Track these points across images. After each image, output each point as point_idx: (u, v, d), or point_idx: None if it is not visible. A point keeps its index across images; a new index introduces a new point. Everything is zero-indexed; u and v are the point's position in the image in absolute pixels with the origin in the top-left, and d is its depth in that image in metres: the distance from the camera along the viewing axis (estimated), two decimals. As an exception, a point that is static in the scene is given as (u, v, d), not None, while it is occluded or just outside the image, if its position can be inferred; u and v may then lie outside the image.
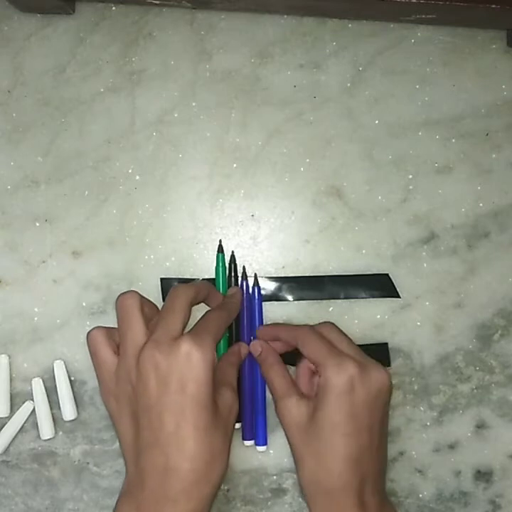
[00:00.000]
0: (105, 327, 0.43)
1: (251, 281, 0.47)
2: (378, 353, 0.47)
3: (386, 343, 0.48)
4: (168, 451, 0.38)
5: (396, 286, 0.48)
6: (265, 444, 0.47)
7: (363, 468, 0.40)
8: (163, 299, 0.47)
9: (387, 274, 0.48)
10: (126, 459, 0.41)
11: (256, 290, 0.47)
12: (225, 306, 0.45)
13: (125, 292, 0.42)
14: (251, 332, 0.47)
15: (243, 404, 0.46)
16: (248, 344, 0.46)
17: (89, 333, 0.43)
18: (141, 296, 0.42)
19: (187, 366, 0.38)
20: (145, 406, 0.39)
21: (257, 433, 0.46)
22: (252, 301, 0.47)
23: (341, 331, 0.44)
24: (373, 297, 0.48)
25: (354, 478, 0.39)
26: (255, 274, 0.47)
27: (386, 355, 0.47)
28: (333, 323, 0.44)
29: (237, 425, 0.46)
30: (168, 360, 0.38)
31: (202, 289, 0.43)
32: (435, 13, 0.45)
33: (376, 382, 0.40)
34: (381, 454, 0.42)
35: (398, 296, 0.48)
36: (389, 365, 0.48)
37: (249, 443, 0.46)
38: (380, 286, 0.48)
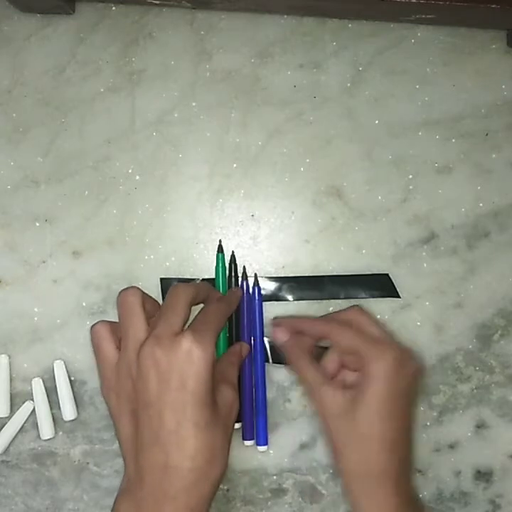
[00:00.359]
0: (109, 321, 0.43)
1: (251, 282, 0.47)
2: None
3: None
4: (169, 449, 0.38)
5: (396, 286, 0.48)
6: (266, 444, 0.47)
7: (399, 453, 0.41)
8: (163, 299, 0.47)
9: (387, 274, 0.48)
10: (125, 456, 0.41)
11: (256, 290, 0.47)
12: (225, 299, 0.45)
13: (127, 288, 0.42)
14: (251, 332, 0.47)
15: (243, 404, 0.46)
16: (249, 344, 0.46)
17: (92, 326, 0.42)
18: (143, 293, 0.42)
19: (187, 363, 0.38)
20: (145, 403, 0.39)
21: (258, 433, 0.46)
22: (252, 301, 0.47)
23: (369, 314, 0.44)
24: (373, 297, 0.48)
25: (392, 463, 0.40)
26: (255, 274, 0.47)
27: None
28: (359, 307, 0.45)
29: (237, 425, 0.46)
30: (169, 356, 0.38)
31: (202, 290, 0.43)
32: (435, 13, 0.45)
33: (413, 369, 0.41)
34: (411, 438, 0.42)
35: (398, 296, 0.48)
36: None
37: (249, 443, 0.46)
38: (380, 286, 0.48)
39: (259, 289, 0.47)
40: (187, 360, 0.38)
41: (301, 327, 0.45)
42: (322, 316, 0.46)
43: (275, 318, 0.47)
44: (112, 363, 0.41)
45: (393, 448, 0.40)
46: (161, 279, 0.47)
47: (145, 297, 0.42)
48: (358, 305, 0.45)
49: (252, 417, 0.46)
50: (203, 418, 0.38)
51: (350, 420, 0.40)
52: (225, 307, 0.44)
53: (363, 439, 0.40)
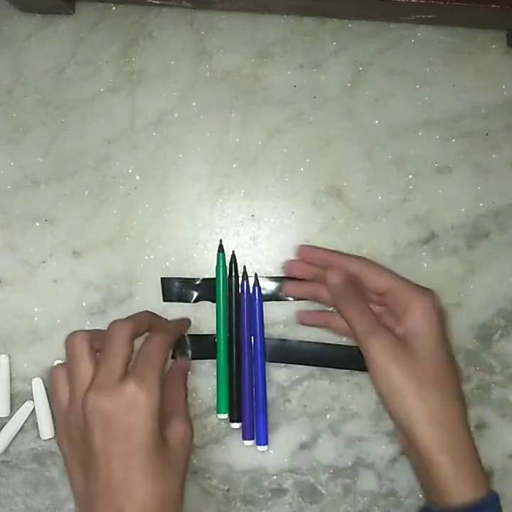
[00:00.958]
0: (64, 364, 0.42)
1: (251, 281, 0.47)
2: None
3: None
4: (119, 500, 0.37)
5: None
6: (266, 443, 0.47)
7: (454, 392, 0.42)
8: (164, 299, 0.47)
9: None
10: (79, 507, 0.39)
11: (256, 290, 0.47)
12: (168, 328, 0.44)
13: (74, 332, 0.41)
14: (251, 332, 0.47)
15: (243, 403, 0.46)
16: (249, 345, 0.46)
17: (51, 368, 0.42)
18: (92, 333, 0.41)
19: (132, 412, 0.37)
20: (92, 453, 0.38)
21: (258, 433, 0.46)
22: (252, 301, 0.47)
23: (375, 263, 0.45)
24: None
25: (452, 402, 0.41)
26: (255, 274, 0.47)
27: None
28: (364, 257, 0.45)
29: (238, 425, 0.46)
30: (112, 405, 0.37)
31: (141, 322, 0.42)
32: (435, 13, 0.45)
33: (441, 304, 0.43)
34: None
35: None
36: None
37: (249, 443, 0.46)
38: None
39: (260, 289, 0.47)
40: (131, 409, 0.37)
41: (329, 259, 0.45)
42: (345, 254, 0.46)
43: (302, 245, 0.47)
44: (64, 409, 0.41)
45: (448, 388, 0.41)
46: (162, 279, 0.47)
47: (94, 338, 0.41)
48: (361, 256, 0.46)
49: (252, 417, 0.46)
50: (151, 466, 0.37)
51: (409, 361, 0.41)
52: (168, 338, 0.42)
53: (421, 381, 0.40)
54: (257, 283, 0.47)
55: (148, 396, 0.37)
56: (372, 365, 0.41)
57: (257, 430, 0.46)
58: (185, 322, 0.47)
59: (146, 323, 0.43)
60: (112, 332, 0.40)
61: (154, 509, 0.37)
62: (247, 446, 0.47)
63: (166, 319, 0.46)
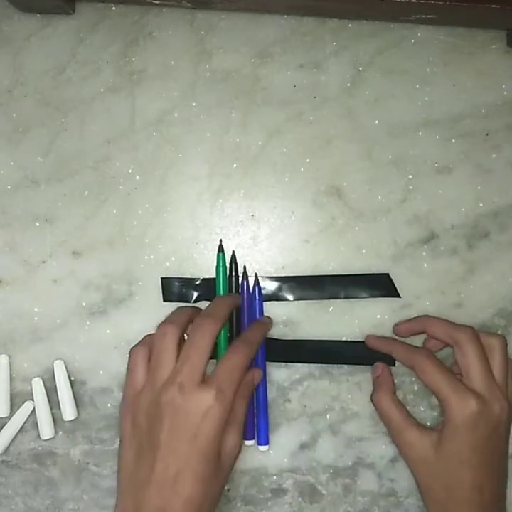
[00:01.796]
0: (148, 346, 0.43)
1: (251, 281, 0.47)
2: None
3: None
4: (165, 494, 0.39)
5: (396, 286, 0.48)
6: (267, 443, 0.47)
7: (485, 496, 0.41)
8: (164, 299, 0.47)
9: (387, 274, 0.48)
10: (121, 488, 0.41)
11: (256, 290, 0.47)
12: (251, 342, 0.44)
13: (166, 324, 0.42)
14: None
15: None
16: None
17: (132, 348, 0.43)
18: (182, 327, 0.42)
19: (204, 420, 0.39)
20: (154, 444, 0.40)
21: (259, 433, 0.46)
22: (252, 301, 0.47)
23: (481, 350, 0.43)
24: (373, 297, 0.48)
25: (479, 506, 0.41)
26: (255, 274, 0.47)
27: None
28: (427, 351, 0.45)
29: None
30: (188, 409, 0.39)
31: (225, 319, 0.43)
32: (435, 13, 0.45)
33: (497, 415, 0.42)
34: (502, 477, 0.43)
35: (398, 296, 0.48)
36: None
37: (250, 443, 0.46)
38: (381, 286, 0.48)
39: (260, 289, 0.47)
40: (204, 418, 0.39)
41: (393, 351, 0.46)
42: (417, 348, 0.46)
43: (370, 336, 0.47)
44: (137, 390, 0.42)
45: (479, 491, 0.41)
46: (162, 279, 0.47)
47: (183, 330, 0.43)
48: (471, 331, 0.44)
49: (252, 417, 0.46)
50: (203, 471, 0.39)
51: (437, 465, 0.42)
52: (251, 352, 0.43)
53: (450, 483, 0.41)
54: (257, 283, 0.47)
55: (222, 411, 0.40)
56: (404, 457, 0.44)
57: (258, 430, 0.46)
58: (267, 327, 0.47)
59: (228, 313, 0.44)
60: (199, 333, 0.41)
61: (196, 507, 0.39)
62: (248, 446, 0.47)
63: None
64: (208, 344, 0.41)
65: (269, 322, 0.47)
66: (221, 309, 0.44)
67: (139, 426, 0.41)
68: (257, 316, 0.47)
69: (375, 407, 0.46)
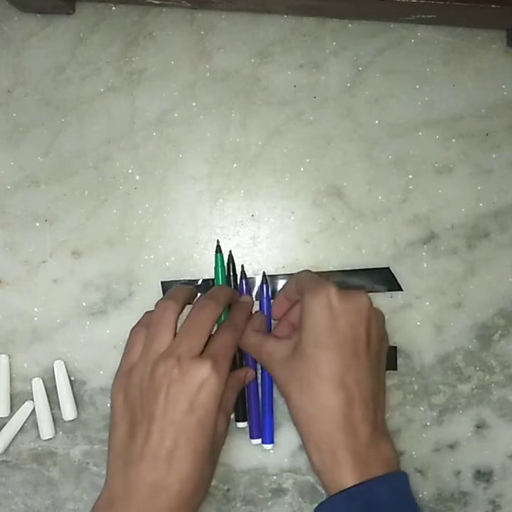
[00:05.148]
0: (146, 324, 0.43)
1: (258, 280, 0.47)
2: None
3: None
4: (161, 468, 0.38)
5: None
6: (272, 442, 0.47)
7: (348, 391, 0.39)
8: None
9: (388, 268, 0.48)
10: (111, 467, 0.40)
11: (264, 288, 0.47)
12: (238, 326, 0.44)
13: (167, 299, 0.42)
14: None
15: (249, 402, 0.46)
16: None
17: (132, 328, 0.43)
18: (181, 305, 0.42)
19: (201, 390, 0.39)
20: (148, 416, 0.39)
21: (265, 431, 0.46)
22: (260, 300, 0.47)
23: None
24: (375, 291, 0.47)
25: (338, 399, 0.38)
26: (263, 273, 0.47)
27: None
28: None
29: (244, 424, 0.46)
30: (185, 379, 0.39)
31: (225, 302, 0.44)
32: (435, 13, 0.45)
33: (355, 301, 0.40)
34: (372, 379, 0.40)
35: (401, 289, 0.48)
36: (395, 368, 0.47)
37: (256, 441, 0.46)
38: (382, 280, 0.48)
39: (268, 287, 0.47)
40: (201, 388, 0.39)
41: (286, 297, 0.45)
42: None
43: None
44: (130, 366, 0.41)
45: (338, 383, 0.38)
46: (162, 283, 0.47)
47: (180, 311, 0.42)
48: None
49: (258, 416, 0.46)
50: (201, 446, 0.39)
51: (294, 361, 0.40)
52: (238, 336, 0.44)
53: (305, 375, 0.39)
54: (265, 281, 0.47)
55: (219, 381, 0.39)
56: (268, 370, 0.43)
57: (263, 429, 0.46)
58: (248, 306, 0.46)
59: (228, 302, 0.44)
60: (201, 312, 0.42)
61: (191, 486, 0.38)
62: (254, 445, 0.47)
63: (242, 300, 0.46)
64: (209, 324, 0.41)
65: (249, 301, 0.47)
66: (223, 294, 0.44)
67: (132, 400, 0.40)
68: (265, 314, 0.47)
69: (246, 350, 0.45)
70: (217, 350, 0.41)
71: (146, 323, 0.43)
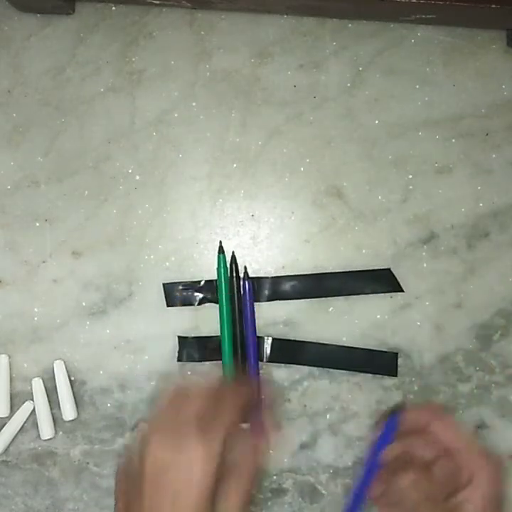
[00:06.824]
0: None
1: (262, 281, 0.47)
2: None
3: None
4: None
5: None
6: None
7: None
8: (168, 305, 0.47)
9: (389, 269, 0.48)
10: None
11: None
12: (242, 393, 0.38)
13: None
14: (255, 331, 0.47)
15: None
16: (254, 345, 0.46)
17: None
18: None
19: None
20: (137, 490, 0.35)
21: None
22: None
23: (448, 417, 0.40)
24: (376, 293, 0.47)
25: None
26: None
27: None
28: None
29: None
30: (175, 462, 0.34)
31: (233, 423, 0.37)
32: (435, 13, 0.45)
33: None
34: None
35: (402, 290, 0.48)
36: (395, 374, 0.47)
37: None
38: (383, 281, 0.48)
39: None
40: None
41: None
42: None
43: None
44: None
45: None
46: (164, 285, 0.47)
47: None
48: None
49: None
50: None
51: None
52: (244, 403, 0.38)
53: None
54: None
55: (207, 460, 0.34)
56: None
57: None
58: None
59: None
60: (228, 418, 0.36)
61: None
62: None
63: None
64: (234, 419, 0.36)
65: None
66: (229, 412, 0.37)
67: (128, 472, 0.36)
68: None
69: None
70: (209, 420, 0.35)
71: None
